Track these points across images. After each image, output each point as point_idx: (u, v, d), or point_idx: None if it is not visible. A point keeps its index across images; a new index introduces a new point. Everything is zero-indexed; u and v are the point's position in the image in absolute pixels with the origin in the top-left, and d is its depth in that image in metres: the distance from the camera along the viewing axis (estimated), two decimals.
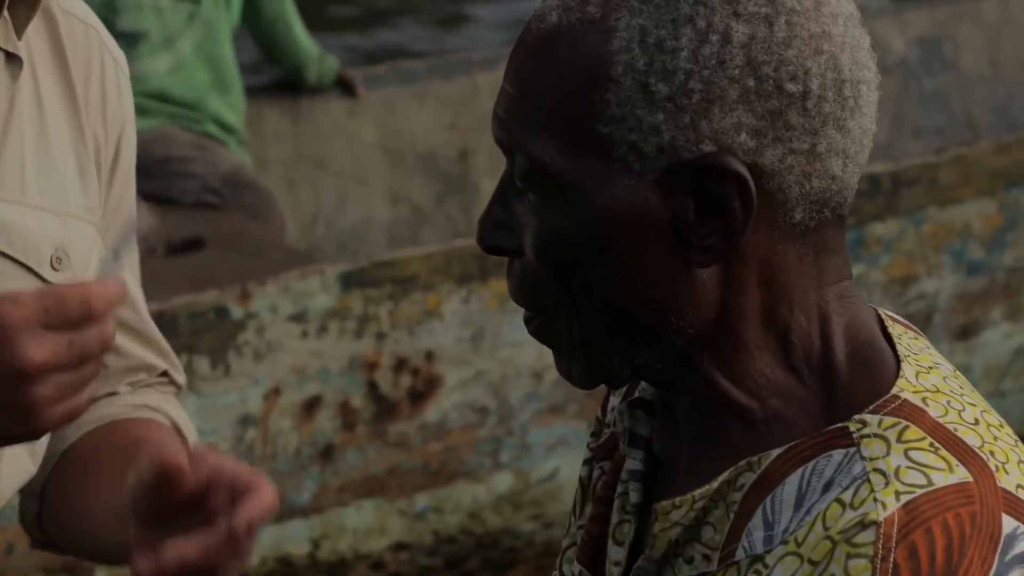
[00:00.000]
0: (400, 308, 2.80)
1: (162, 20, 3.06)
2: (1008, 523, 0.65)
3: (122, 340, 1.10)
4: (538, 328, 0.76)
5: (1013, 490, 0.67)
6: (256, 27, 3.34)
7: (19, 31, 1.00)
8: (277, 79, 3.63)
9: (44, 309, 0.72)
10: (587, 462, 0.89)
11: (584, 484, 0.88)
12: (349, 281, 2.76)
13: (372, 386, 2.81)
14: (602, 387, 0.80)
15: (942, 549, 0.63)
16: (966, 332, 3.40)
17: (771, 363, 0.72)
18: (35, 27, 1.03)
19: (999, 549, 0.65)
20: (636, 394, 0.81)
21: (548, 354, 0.79)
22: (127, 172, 1.16)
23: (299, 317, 2.76)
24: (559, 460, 2.95)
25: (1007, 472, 0.68)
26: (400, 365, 2.82)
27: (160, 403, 1.17)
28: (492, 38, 6.55)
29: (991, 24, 4.64)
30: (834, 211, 0.71)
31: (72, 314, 0.73)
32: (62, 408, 0.76)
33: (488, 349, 2.85)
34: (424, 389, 2.84)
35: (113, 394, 1.13)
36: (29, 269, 1.04)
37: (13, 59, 1.01)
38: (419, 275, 2.82)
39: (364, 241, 3.86)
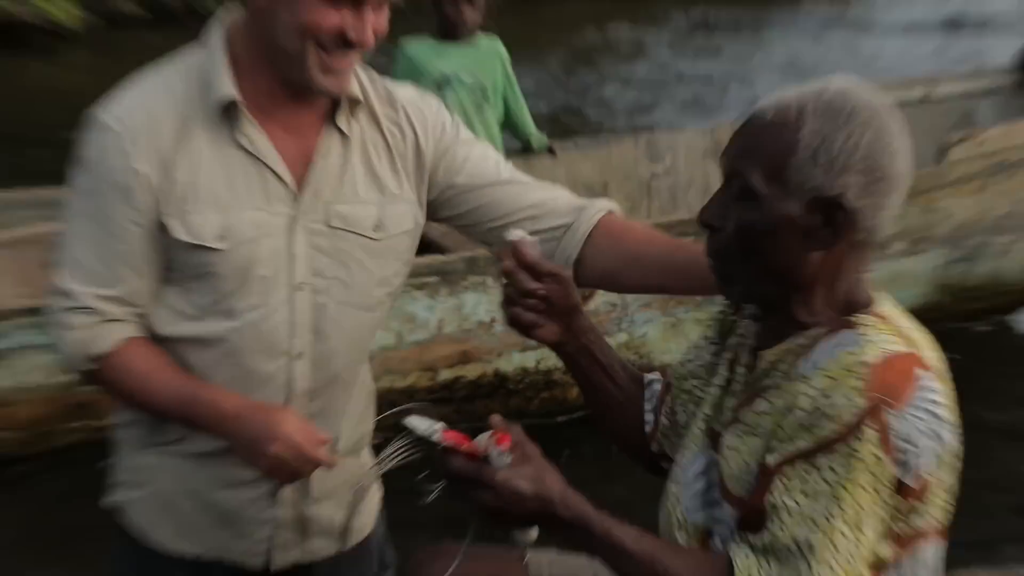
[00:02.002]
0: None
1: (463, 109, 4.43)
2: (919, 372, 1.34)
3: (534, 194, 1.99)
4: (720, 273, 1.48)
5: (923, 357, 1.37)
6: (507, 116, 4.83)
7: (347, 120, 1.84)
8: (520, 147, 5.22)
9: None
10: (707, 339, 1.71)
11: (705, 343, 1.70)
12: None
13: None
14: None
15: (895, 374, 1.32)
16: None
17: (823, 303, 1.44)
18: (360, 116, 1.89)
19: (916, 381, 1.33)
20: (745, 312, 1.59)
21: None
22: (463, 154, 1.97)
23: None
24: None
25: (921, 349, 1.38)
26: None
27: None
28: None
29: None
30: (873, 239, 1.41)
31: None
32: None
33: None
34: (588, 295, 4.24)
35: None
36: (359, 234, 1.86)
37: (344, 135, 1.85)
38: None
39: None
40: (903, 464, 1.42)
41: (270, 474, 1.87)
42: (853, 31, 13.82)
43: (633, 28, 13.70)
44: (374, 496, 2.30)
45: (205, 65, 1.85)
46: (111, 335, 1.88)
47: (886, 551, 1.45)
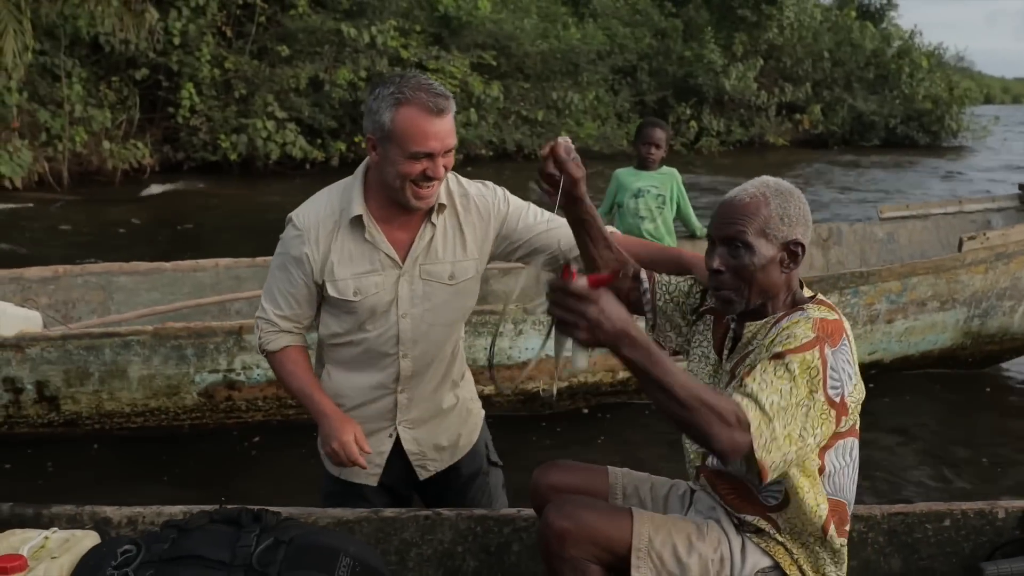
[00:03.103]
0: None
1: (649, 209, 6.06)
2: (845, 332, 2.10)
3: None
4: (723, 296, 2.20)
5: (845, 325, 2.11)
6: (679, 214, 6.20)
7: (437, 215, 2.60)
8: (687, 234, 6.50)
9: None
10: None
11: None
12: None
13: None
14: None
15: (831, 327, 2.09)
16: None
17: (784, 300, 2.20)
18: (448, 210, 2.63)
19: (843, 336, 2.08)
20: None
21: None
22: (516, 220, 2.68)
23: None
24: None
25: (844, 321, 2.12)
26: None
27: None
28: None
29: None
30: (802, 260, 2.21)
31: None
32: None
33: None
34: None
35: None
36: (439, 282, 2.62)
37: (434, 225, 2.60)
38: None
39: None
40: (836, 388, 2.03)
41: (330, 456, 2.61)
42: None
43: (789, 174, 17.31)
44: (479, 415, 3.01)
45: (351, 189, 2.61)
46: (280, 341, 2.69)
47: (813, 442, 2.04)
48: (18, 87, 14.45)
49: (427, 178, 2.46)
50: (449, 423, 2.84)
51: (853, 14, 28.56)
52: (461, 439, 2.89)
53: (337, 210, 2.60)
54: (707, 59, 24.31)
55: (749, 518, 2.27)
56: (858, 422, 2.17)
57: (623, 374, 5.37)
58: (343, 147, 18.17)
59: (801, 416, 1.96)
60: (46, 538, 2.50)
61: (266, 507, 2.55)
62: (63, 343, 4.71)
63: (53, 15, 14.23)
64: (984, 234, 5.86)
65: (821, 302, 2.19)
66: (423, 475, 2.83)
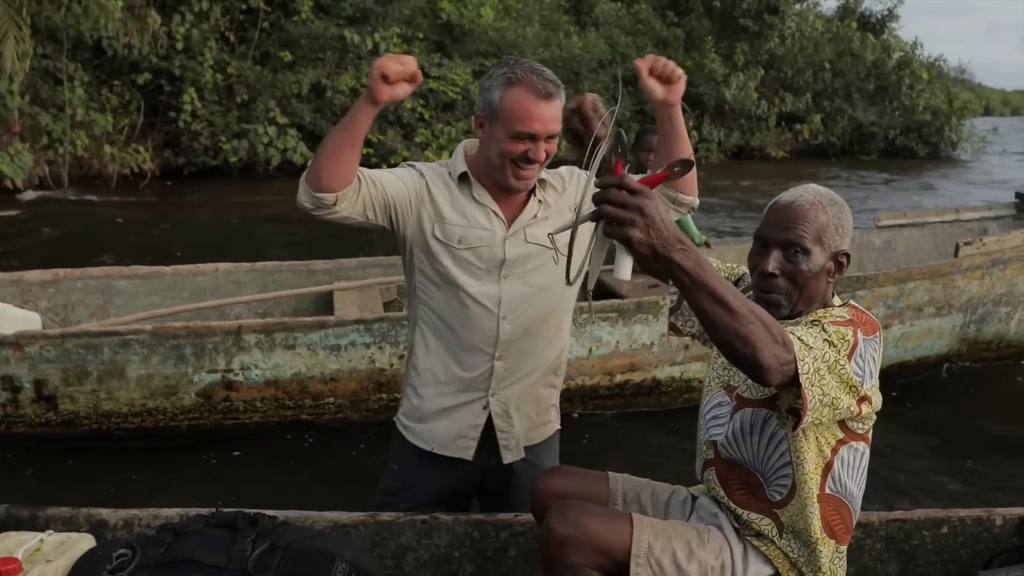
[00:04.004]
0: None
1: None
2: (877, 330, 2.11)
3: None
4: (773, 300, 2.19)
5: (879, 326, 2.12)
6: (678, 223, 6.21)
7: (541, 192, 2.68)
8: None
9: None
10: None
11: None
12: None
13: None
14: None
15: (865, 319, 2.11)
16: None
17: (819, 304, 2.23)
18: (550, 190, 2.71)
19: (875, 332, 2.10)
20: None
21: None
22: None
23: None
24: None
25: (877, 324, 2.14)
26: None
27: None
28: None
29: None
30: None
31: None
32: None
33: None
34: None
35: None
36: (540, 244, 2.65)
37: (540, 201, 2.69)
38: None
39: None
40: (859, 375, 2.02)
41: (380, 78, 2.41)
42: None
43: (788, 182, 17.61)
44: (558, 415, 2.96)
45: (450, 162, 2.72)
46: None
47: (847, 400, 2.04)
48: (20, 90, 14.49)
49: (528, 160, 2.53)
50: (541, 402, 2.83)
51: (854, 25, 28.61)
52: (548, 425, 2.89)
53: (444, 171, 2.69)
54: (708, 68, 24.41)
55: (754, 517, 2.27)
56: (871, 431, 2.18)
57: (621, 377, 5.39)
58: None
59: (836, 374, 1.96)
60: (41, 541, 2.49)
61: (262, 510, 2.54)
62: (62, 342, 4.71)
63: (56, 19, 14.25)
64: (980, 240, 5.94)
65: (850, 305, 2.22)
66: (508, 458, 2.78)
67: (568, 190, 2.75)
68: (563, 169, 2.80)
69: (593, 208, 1.69)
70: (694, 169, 2.23)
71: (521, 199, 2.68)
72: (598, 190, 1.68)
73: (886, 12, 29.85)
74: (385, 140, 17.95)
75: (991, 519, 2.88)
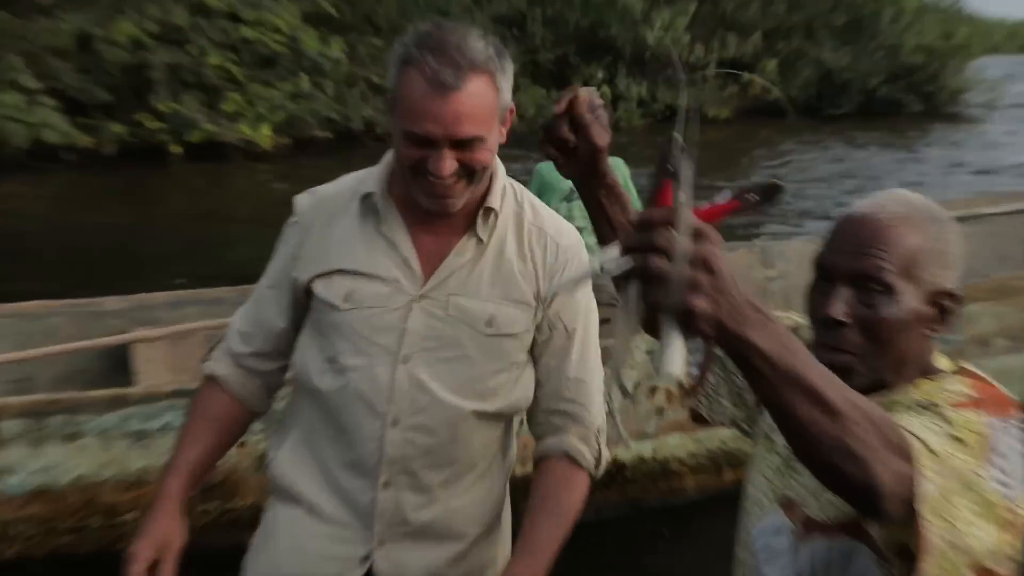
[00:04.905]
0: None
1: (584, 215, 6.06)
2: (1013, 411, 1.77)
3: None
4: (841, 361, 1.88)
5: (1016, 406, 1.78)
6: None
7: (486, 228, 2.50)
8: None
9: None
10: None
11: None
12: None
13: None
14: None
15: (995, 395, 1.80)
16: None
17: (912, 370, 1.91)
18: (507, 228, 2.55)
19: (1011, 412, 1.75)
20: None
21: None
22: (566, 305, 2.60)
23: None
24: None
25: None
26: None
27: None
28: None
29: None
30: None
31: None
32: None
33: None
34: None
35: None
36: (471, 326, 2.47)
37: (480, 240, 2.49)
38: None
39: None
40: (1003, 487, 1.73)
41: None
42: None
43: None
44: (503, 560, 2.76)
45: (374, 169, 2.58)
46: (219, 366, 2.71)
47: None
48: None
49: (429, 172, 2.34)
50: (451, 555, 2.59)
51: None
52: None
53: (350, 189, 2.58)
54: (621, 3, 24.54)
55: None
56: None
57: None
58: (122, 130, 17.69)
59: (976, 493, 1.67)
60: None
61: None
62: None
63: None
64: None
65: (964, 371, 1.95)
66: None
67: (548, 251, 2.62)
68: (550, 219, 2.70)
69: (628, 262, 1.37)
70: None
71: (452, 235, 2.51)
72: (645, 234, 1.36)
73: None
74: (180, 109, 17.58)
75: None
